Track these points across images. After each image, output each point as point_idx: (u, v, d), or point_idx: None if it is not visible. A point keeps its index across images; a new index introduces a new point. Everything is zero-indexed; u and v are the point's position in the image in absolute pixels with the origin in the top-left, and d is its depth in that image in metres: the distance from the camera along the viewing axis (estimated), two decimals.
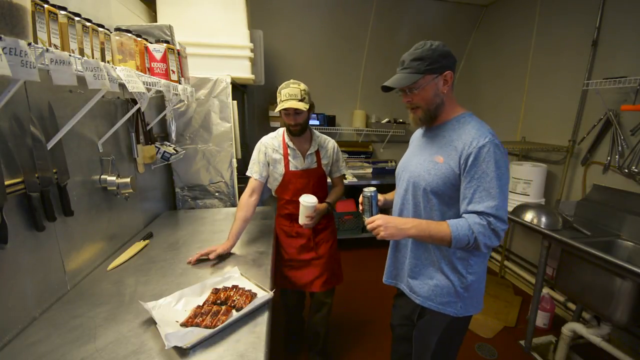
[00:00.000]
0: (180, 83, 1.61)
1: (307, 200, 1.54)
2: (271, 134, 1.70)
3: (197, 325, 0.95)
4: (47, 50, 0.74)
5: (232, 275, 1.24)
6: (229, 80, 2.14)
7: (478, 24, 3.41)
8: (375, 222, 1.08)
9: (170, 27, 1.72)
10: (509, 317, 2.40)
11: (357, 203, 1.28)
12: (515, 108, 2.91)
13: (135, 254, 1.47)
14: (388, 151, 3.98)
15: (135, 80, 1.12)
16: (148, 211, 1.90)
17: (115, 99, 1.53)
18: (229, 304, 1.06)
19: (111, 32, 1.20)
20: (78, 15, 0.95)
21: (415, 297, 1.19)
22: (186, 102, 1.81)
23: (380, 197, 1.29)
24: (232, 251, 1.53)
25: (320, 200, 1.64)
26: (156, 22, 2.05)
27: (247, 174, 1.68)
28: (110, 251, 1.47)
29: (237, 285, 1.16)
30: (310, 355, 1.94)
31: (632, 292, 1.52)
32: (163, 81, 1.41)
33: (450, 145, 1.05)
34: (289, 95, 1.48)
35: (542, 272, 1.94)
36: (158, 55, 1.45)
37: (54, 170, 1.06)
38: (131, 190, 1.44)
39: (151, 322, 0.98)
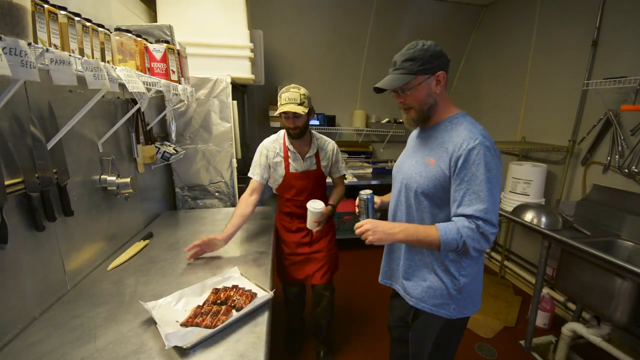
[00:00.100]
0: (180, 83, 1.61)
1: (315, 207, 1.54)
2: (272, 137, 1.73)
3: (197, 325, 0.95)
4: (47, 50, 0.74)
5: (232, 275, 1.24)
6: (229, 80, 2.14)
7: (478, 24, 3.41)
8: (364, 226, 1.08)
9: (170, 27, 1.72)
10: (509, 317, 2.40)
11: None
12: (515, 108, 2.91)
13: (135, 254, 1.47)
14: (388, 151, 3.98)
15: (135, 80, 1.12)
16: (148, 211, 1.90)
17: (115, 99, 1.53)
18: (229, 303, 1.06)
19: (111, 32, 1.20)
20: (78, 15, 0.96)
21: (409, 299, 1.18)
22: (186, 102, 1.81)
23: (377, 199, 1.29)
24: (232, 251, 1.53)
25: (321, 198, 1.69)
26: (156, 22, 2.05)
27: (249, 175, 1.72)
28: (110, 251, 1.47)
29: (237, 285, 1.16)
30: (315, 343, 2.05)
31: (632, 292, 1.52)
32: (163, 81, 1.41)
33: (442, 147, 1.04)
34: (289, 99, 1.52)
35: (542, 272, 1.94)
36: (158, 55, 1.45)
37: (54, 170, 1.06)
38: (131, 190, 1.44)
39: (151, 322, 0.98)
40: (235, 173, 2.27)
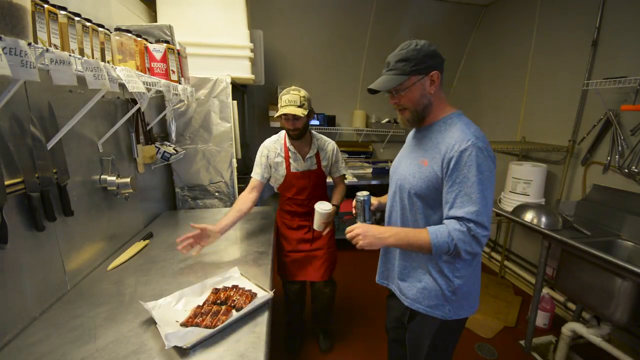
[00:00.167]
0: (180, 83, 1.61)
1: (323, 208, 1.54)
2: (273, 137, 1.77)
3: (197, 325, 0.95)
4: (47, 50, 0.74)
5: (232, 275, 1.24)
6: (229, 80, 2.14)
7: (478, 24, 3.41)
8: (354, 231, 1.07)
9: (170, 27, 1.72)
10: (509, 317, 2.40)
11: None
12: (516, 108, 2.91)
13: (135, 254, 1.47)
14: (388, 151, 3.98)
15: (135, 80, 1.12)
16: (148, 211, 1.90)
17: (115, 99, 1.53)
18: (229, 303, 1.06)
19: (111, 32, 1.20)
20: (78, 15, 0.96)
21: (404, 299, 1.18)
22: (186, 102, 1.81)
23: (374, 200, 1.29)
24: (232, 251, 1.53)
25: (321, 197, 1.75)
26: (156, 22, 2.05)
27: (251, 174, 1.76)
28: (110, 251, 1.47)
29: (237, 285, 1.16)
30: (314, 330, 2.16)
31: (632, 292, 1.52)
32: (163, 81, 1.41)
33: (435, 148, 1.03)
34: (289, 101, 1.56)
35: (542, 272, 1.94)
36: (158, 55, 1.45)
37: (54, 170, 1.06)
38: (131, 190, 1.44)
39: (151, 322, 0.98)
40: (235, 173, 2.27)
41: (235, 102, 2.24)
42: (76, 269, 1.22)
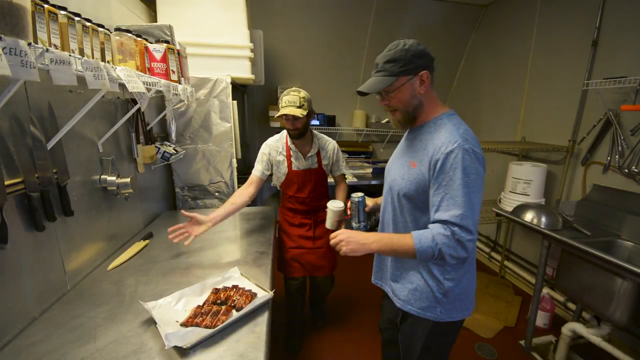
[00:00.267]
0: (180, 83, 1.61)
1: (335, 206, 1.54)
2: (276, 136, 1.82)
3: (197, 325, 0.95)
4: (47, 50, 0.74)
5: (232, 275, 1.24)
6: (229, 80, 2.14)
7: (478, 24, 3.40)
8: (337, 237, 1.07)
9: (170, 27, 1.72)
10: (509, 317, 2.40)
11: None
12: (515, 108, 2.91)
13: (135, 254, 1.47)
14: (388, 151, 3.98)
15: (135, 80, 1.12)
16: (148, 211, 1.90)
17: (115, 99, 1.53)
18: (229, 303, 1.06)
19: (111, 32, 1.20)
20: (78, 15, 0.96)
21: (396, 300, 1.16)
22: (186, 102, 1.81)
23: (369, 201, 1.29)
24: (232, 251, 1.54)
25: (322, 196, 1.85)
26: (156, 22, 2.05)
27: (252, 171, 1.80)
28: (110, 251, 1.47)
29: (237, 285, 1.16)
30: (311, 315, 2.30)
31: (632, 292, 1.52)
32: (163, 81, 1.41)
33: (424, 149, 1.02)
34: (289, 102, 1.60)
35: (542, 272, 1.94)
36: (158, 55, 1.45)
37: (54, 170, 1.06)
38: (131, 190, 1.44)
39: (151, 322, 0.98)
40: (235, 173, 2.27)
41: (235, 102, 2.24)
42: (76, 269, 1.22)
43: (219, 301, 1.08)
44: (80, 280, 1.24)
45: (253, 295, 1.10)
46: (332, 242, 1.09)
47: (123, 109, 1.59)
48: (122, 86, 1.07)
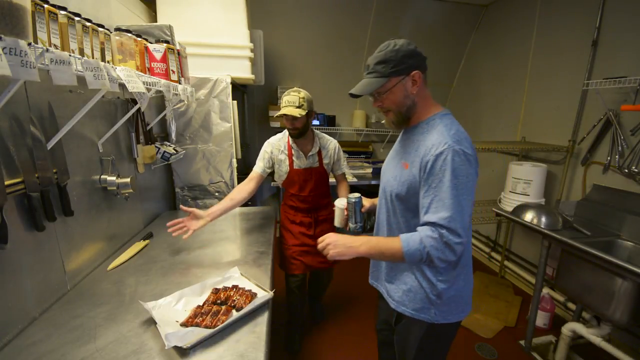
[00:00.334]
0: (180, 83, 1.61)
1: (343, 203, 1.53)
2: (278, 135, 1.85)
3: (197, 325, 0.95)
4: (47, 50, 0.74)
5: (232, 275, 1.24)
6: (229, 80, 2.14)
7: (478, 24, 3.41)
8: (325, 240, 1.06)
9: (170, 27, 1.72)
10: (509, 317, 2.40)
11: None
12: (515, 108, 2.91)
13: (135, 254, 1.47)
14: (388, 151, 3.92)
15: (135, 80, 1.12)
16: (148, 211, 1.90)
17: (115, 99, 1.53)
18: (229, 304, 1.06)
19: (111, 32, 1.20)
20: (78, 15, 0.96)
21: (390, 301, 1.15)
22: (186, 102, 1.81)
23: (366, 202, 1.29)
24: (232, 251, 1.54)
25: (323, 194, 1.89)
26: (156, 22, 2.05)
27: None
28: (110, 251, 1.47)
29: (237, 285, 1.16)
30: (310, 309, 2.34)
31: (632, 292, 1.52)
32: (163, 81, 1.41)
33: (416, 150, 1.01)
34: (288, 102, 1.64)
35: (542, 272, 1.94)
36: (158, 55, 1.45)
37: (54, 170, 1.06)
38: (131, 190, 1.44)
39: (151, 322, 0.98)
40: (235, 173, 2.27)
41: (235, 102, 2.24)
42: (76, 269, 1.22)
43: (219, 301, 1.08)
44: (80, 280, 1.24)
45: (253, 295, 1.10)
46: (319, 246, 1.08)
47: (123, 109, 1.59)
48: (122, 86, 1.07)
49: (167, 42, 1.55)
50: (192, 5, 2.08)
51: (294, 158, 1.79)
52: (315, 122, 3.55)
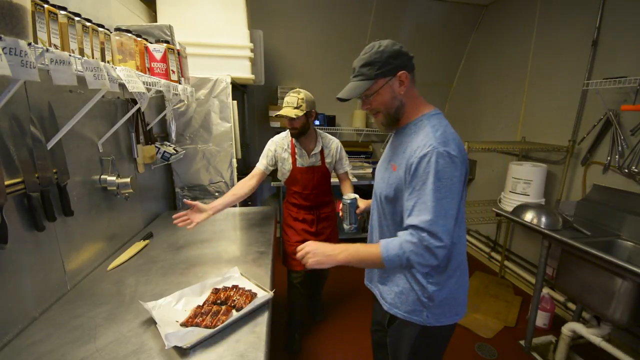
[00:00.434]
0: (180, 83, 1.61)
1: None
2: (282, 134, 1.89)
3: (197, 325, 0.95)
4: (47, 50, 0.74)
5: (232, 275, 1.24)
6: (229, 80, 2.14)
7: (478, 24, 3.40)
8: (305, 249, 1.04)
9: (170, 27, 1.72)
10: (509, 317, 2.40)
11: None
12: (515, 108, 2.91)
13: (135, 254, 1.47)
14: None
15: (135, 80, 1.12)
16: (148, 211, 1.90)
17: (115, 99, 1.53)
18: (229, 303, 1.06)
19: (111, 32, 1.20)
20: (78, 15, 0.95)
21: (383, 303, 1.15)
22: (186, 102, 1.81)
23: (362, 203, 1.28)
24: (232, 251, 1.54)
25: (325, 193, 1.94)
26: (156, 22, 2.05)
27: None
28: (110, 251, 1.47)
29: (237, 285, 1.16)
30: (310, 308, 2.36)
31: (632, 292, 1.52)
32: (163, 81, 1.41)
33: (403, 152, 1.00)
34: (287, 103, 1.69)
35: (542, 272, 1.94)
36: (158, 55, 1.45)
37: (54, 170, 1.06)
38: (131, 190, 1.44)
39: (151, 322, 0.98)
40: (235, 173, 2.27)
41: (235, 102, 2.24)
42: (76, 269, 1.22)
43: (219, 301, 1.08)
44: (80, 280, 1.23)
45: (253, 295, 1.10)
46: (298, 254, 1.06)
47: (123, 109, 1.59)
48: (122, 86, 1.07)
49: (167, 42, 1.55)
50: (192, 5, 2.08)
51: (296, 156, 1.83)
52: (315, 122, 3.54)
